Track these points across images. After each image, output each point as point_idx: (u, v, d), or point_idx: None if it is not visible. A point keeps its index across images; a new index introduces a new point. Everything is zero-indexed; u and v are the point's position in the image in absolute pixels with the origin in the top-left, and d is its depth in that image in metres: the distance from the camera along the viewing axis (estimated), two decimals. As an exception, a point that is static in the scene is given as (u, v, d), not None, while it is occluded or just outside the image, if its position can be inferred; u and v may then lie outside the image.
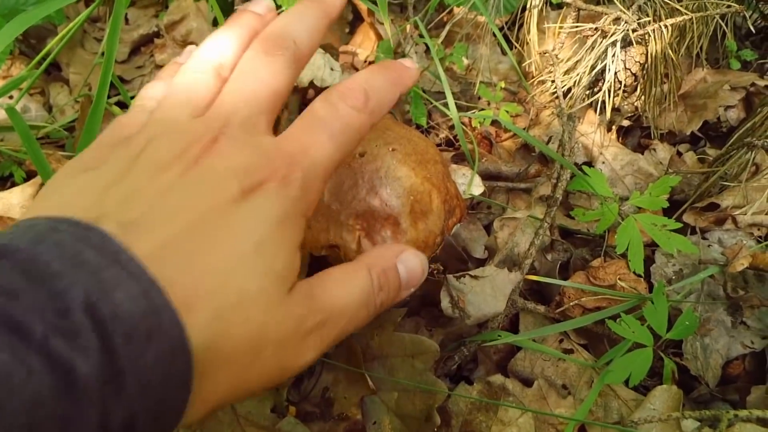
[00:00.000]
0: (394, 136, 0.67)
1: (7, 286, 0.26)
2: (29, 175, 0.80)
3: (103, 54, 0.90)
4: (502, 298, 0.71)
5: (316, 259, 0.67)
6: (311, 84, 0.88)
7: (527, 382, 0.71)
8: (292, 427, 0.64)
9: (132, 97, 0.87)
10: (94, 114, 0.63)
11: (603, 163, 0.94)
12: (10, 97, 0.85)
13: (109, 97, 0.91)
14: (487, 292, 0.71)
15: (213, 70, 0.42)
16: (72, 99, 0.93)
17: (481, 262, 0.81)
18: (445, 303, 0.70)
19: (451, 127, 0.98)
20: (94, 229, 0.30)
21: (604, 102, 0.94)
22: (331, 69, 0.91)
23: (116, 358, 0.27)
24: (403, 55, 0.97)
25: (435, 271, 0.70)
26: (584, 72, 0.90)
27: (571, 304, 0.73)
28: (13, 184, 0.79)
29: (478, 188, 0.82)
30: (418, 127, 0.95)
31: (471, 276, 0.71)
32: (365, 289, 0.45)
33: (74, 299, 0.27)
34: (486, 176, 0.90)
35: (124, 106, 0.88)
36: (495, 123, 1.00)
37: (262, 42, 0.44)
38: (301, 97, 0.92)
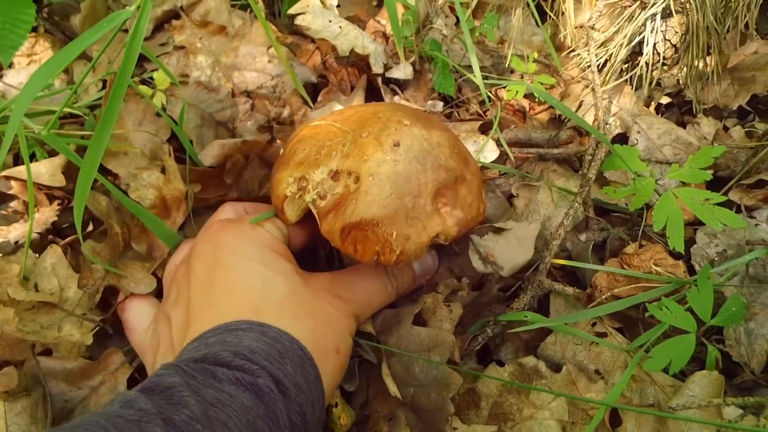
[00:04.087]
0: (389, 113, 0.64)
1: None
2: (50, 153, 0.80)
3: (127, 31, 0.89)
4: (528, 246, 0.71)
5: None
6: (352, 52, 0.87)
7: (556, 367, 0.68)
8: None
9: (153, 72, 0.86)
10: (117, 91, 0.60)
11: (638, 132, 0.89)
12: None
13: (133, 75, 0.91)
14: (513, 243, 0.70)
15: None
16: (96, 78, 0.92)
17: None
18: (475, 261, 0.69)
19: (482, 102, 0.95)
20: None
21: (641, 76, 0.88)
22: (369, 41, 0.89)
23: (271, 372, 0.48)
24: (431, 27, 0.94)
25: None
26: (621, 45, 0.84)
27: (604, 297, 0.69)
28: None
29: (492, 153, 0.79)
30: (447, 99, 0.92)
31: (493, 231, 0.70)
32: (381, 277, 0.64)
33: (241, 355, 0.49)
34: (515, 143, 0.86)
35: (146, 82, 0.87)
36: (529, 96, 0.96)
37: None
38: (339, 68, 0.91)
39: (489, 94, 0.89)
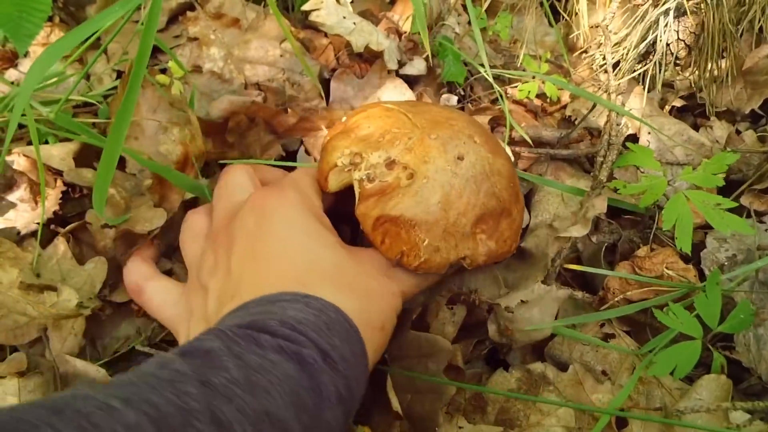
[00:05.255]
0: (462, 125, 0.64)
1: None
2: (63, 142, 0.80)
3: (142, 22, 0.89)
4: (549, 319, 0.68)
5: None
6: (366, 48, 0.86)
7: (563, 367, 0.68)
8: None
9: (168, 63, 0.86)
10: (134, 81, 0.61)
11: (650, 132, 0.88)
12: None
13: (148, 66, 0.91)
14: (534, 315, 0.67)
15: None
16: (109, 67, 0.92)
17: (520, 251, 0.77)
18: (492, 331, 0.68)
19: (494, 101, 0.94)
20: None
21: (653, 77, 0.88)
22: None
23: (318, 344, 0.46)
24: (443, 25, 0.93)
25: (475, 301, 0.68)
26: (634, 44, 0.84)
27: (616, 299, 0.69)
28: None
29: None
30: (458, 96, 0.92)
31: (522, 302, 0.67)
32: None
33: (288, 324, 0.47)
34: (525, 142, 0.85)
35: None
36: (541, 96, 0.96)
37: None
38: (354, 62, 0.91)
39: (500, 91, 0.88)
